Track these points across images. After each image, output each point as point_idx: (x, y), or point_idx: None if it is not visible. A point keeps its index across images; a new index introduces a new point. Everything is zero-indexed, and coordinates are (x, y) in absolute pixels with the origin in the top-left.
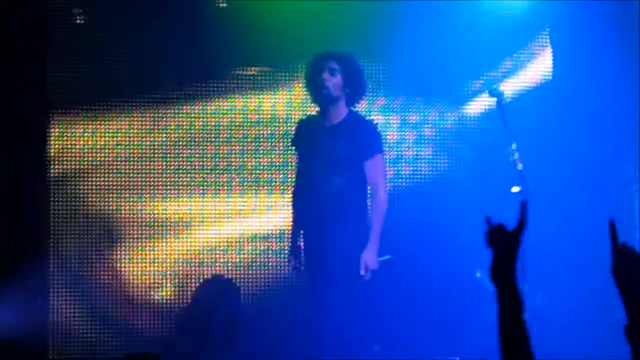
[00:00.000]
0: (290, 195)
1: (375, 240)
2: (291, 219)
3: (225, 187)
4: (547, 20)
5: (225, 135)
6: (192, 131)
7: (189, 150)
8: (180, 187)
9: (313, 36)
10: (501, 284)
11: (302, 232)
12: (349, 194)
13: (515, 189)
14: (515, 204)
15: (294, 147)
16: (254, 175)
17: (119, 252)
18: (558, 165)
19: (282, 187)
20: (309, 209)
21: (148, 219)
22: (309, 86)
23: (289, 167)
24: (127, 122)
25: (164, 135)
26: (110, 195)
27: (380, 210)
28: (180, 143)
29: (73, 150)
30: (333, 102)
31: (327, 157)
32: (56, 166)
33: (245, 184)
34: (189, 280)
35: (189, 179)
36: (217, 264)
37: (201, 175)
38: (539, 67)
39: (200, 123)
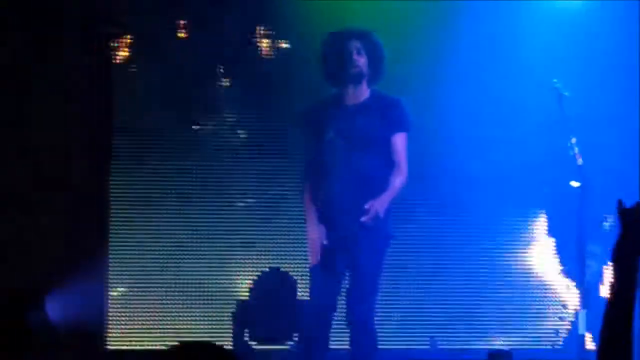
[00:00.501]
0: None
1: (389, 195)
2: (309, 200)
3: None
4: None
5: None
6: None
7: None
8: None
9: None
10: (622, 264)
11: (325, 211)
12: (379, 172)
13: (575, 184)
14: (573, 198)
15: (307, 129)
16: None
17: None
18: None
19: None
20: (338, 190)
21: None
22: (333, 66)
23: None
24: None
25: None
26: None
27: (401, 179)
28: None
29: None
30: (360, 82)
31: (355, 136)
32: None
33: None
34: (239, 272)
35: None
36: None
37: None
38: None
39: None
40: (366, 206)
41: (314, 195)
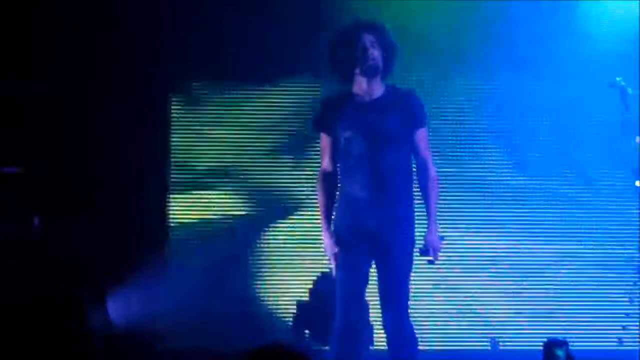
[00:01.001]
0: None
1: (435, 221)
2: (325, 199)
3: None
4: None
5: None
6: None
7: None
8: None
9: None
10: None
11: (351, 213)
12: (403, 168)
13: None
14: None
15: (320, 130)
16: None
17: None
18: None
19: None
20: (363, 188)
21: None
22: (346, 60)
23: None
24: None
25: None
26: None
27: (435, 188)
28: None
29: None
30: (375, 76)
31: (375, 133)
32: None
33: None
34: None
35: None
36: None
37: None
38: None
39: None
40: (430, 257)
41: (330, 197)
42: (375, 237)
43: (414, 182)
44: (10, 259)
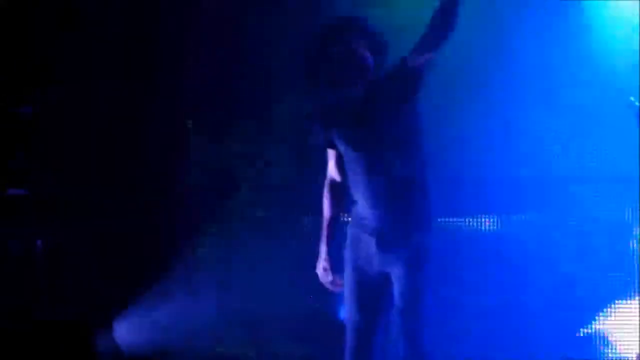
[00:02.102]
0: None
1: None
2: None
3: None
4: None
5: None
6: None
7: None
8: None
9: None
10: None
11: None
12: (410, 169)
13: None
14: None
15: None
16: None
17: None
18: None
19: None
20: (376, 195)
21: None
22: (334, 63)
23: None
24: None
25: None
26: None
27: None
28: None
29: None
30: (366, 78)
31: (376, 140)
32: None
33: None
34: None
35: None
36: None
37: None
38: None
39: None
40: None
41: (334, 208)
42: (390, 245)
43: (426, 181)
44: (16, 283)
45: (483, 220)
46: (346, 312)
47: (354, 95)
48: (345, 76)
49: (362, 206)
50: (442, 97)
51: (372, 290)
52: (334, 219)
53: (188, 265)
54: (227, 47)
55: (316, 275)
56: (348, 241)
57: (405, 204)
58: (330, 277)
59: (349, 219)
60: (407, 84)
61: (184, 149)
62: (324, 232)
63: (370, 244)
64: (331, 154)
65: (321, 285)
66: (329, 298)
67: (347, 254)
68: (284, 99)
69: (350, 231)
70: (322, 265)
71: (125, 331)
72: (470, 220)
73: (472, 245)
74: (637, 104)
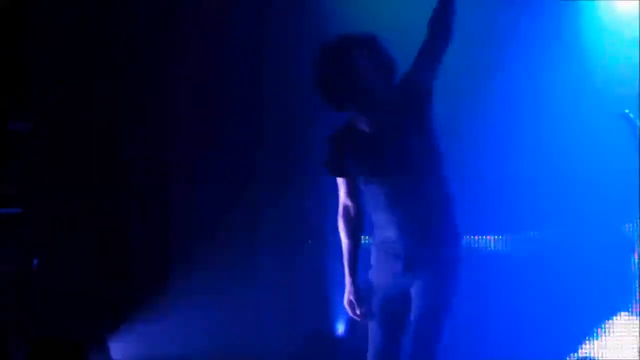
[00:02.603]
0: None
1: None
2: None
3: None
4: None
5: None
6: None
7: None
8: None
9: None
10: None
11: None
12: (432, 187)
13: None
14: None
15: (332, 175)
16: None
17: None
18: None
19: None
20: (399, 219)
21: None
22: (337, 85)
23: None
24: None
25: None
26: None
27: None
28: None
29: None
30: (372, 101)
31: (392, 166)
32: None
33: None
34: None
35: None
36: None
37: None
38: None
39: None
40: None
41: (352, 238)
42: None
43: (451, 205)
44: (10, 301)
45: (481, 237)
46: (369, 334)
47: (365, 118)
48: (349, 98)
49: (386, 229)
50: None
51: (395, 314)
52: (354, 249)
53: (183, 285)
54: (237, 69)
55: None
56: (373, 263)
57: (430, 223)
58: (358, 310)
59: (372, 241)
60: (416, 100)
61: (178, 172)
62: (347, 264)
63: (396, 266)
64: (341, 183)
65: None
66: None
67: (372, 277)
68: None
69: (374, 254)
70: (348, 297)
71: (119, 349)
72: (469, 237)
73: (471, 263)
74: (631, 115)
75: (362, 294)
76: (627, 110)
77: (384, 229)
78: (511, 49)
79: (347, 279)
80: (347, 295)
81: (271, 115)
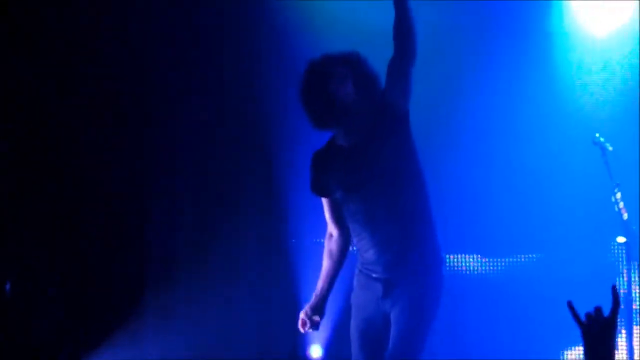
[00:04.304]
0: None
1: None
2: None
3: None
4: None
5: None
6: None
7: None
8: None
9: None
10: None
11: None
12: (412, 209)
13: (621, 239)
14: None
15: (315, 194)
16: None
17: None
18: None
19: None
20: (380, 242)
21: None
22: (316, 104)
23: None
24: None
25: None
26: None
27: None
28: None
29: None
30: (350, 117)
31: (368, 187)
32: None
33: None
34: None
35: None
36: None
37: None
38: None
39: None
40: None
41: (331, 259)
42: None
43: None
44: None
45: (470, 260)
46: (352, 355)
47: (344, 134)
48: (327, 115)
49: (366, 252)
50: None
51: (376, 334)
52: (327, 269)
53: (161, 310)
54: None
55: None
56: (355, 285)
57: (410, 245)
58: (302, 327)
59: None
60: (393, 122)
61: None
62: (319, 285)
63: (376, 289)
64: (326, 203)
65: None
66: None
67: (354, 299)
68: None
69: (356, 277)
70: (305, 309)
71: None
72: (456, 257)
73: (463, 286)
74: (602, 139)
75: (316, 314)
76: (597, 135)
77: (365, 252)
78: (485, 73)
79: (313, 294)
80: (306, 306)
81: (254, 117)
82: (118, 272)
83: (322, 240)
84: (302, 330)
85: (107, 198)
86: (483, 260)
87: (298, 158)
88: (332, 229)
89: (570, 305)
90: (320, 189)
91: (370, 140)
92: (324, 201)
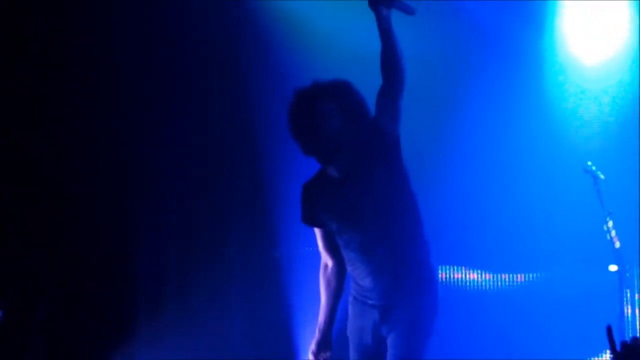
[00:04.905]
0: None
1: None
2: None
3: None
4: None
5: None
6: None
7: None
8: None
9: None
10: None
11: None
12: (405, 236)
13: (613, 268)
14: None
15: (308, 225)
16: None
17: None
18: None
19: None
20: (374, 270)
21: None
22: (303, 136)
23: None
24: None
25: None
26: None
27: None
28: None
29: None
30: (335, 152)
31: (359, 216)
32: None
33: None
34: None
35: None
36: None
37: None
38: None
39: None
40: None
41: (329, 292)
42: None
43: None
44: None
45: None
46: None
47: (334, 164)
48: (316, 144)
49: (361, 279)
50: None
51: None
52: (327, 303)
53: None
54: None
55: None
56: (350, 314)
57: (407, 271)
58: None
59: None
60: (383, 148)
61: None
62: (320, 316)
63: (373, 315)
64: (318, 233)
65: None
66: None
67: (350, 327)
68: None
69: (351, 304)
70: (312, 347)
71: None
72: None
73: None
74: (593, 168)
75: (323, 349)
76: (589, 163)
77: (360, 279)
78: (477, 102)
79: (317, 334)
80: (312, 344)
81: (242, 131)
82: (106, 292)
83: (311, 249)
84: None
85: (91, 212)
86: (473, 276)
87: (287, 168)
88: (326, 259)
89: (609, 331)
90: (312, 220)
91: (361, 170)
92: (317, 231)
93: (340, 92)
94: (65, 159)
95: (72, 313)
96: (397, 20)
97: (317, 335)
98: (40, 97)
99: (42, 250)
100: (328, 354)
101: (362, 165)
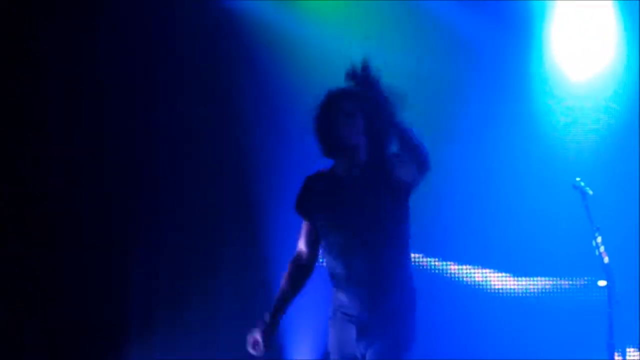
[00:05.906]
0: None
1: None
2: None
3: None
4: None
5: None
6: None
7: None
8: None
9: None
10: None
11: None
12: (390, 256)
13: (602, 283)
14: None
15: (297, 212)
16: None
17: None
18: None
19: None
20: (355, 284)
21: None
22: (323, 136)
23: None
24: None
25: None
26: None
27: None
28: None
29: None
30: (351, 151)
31: (352, 221)
32: None
33: None
34: None
35: None
36: None
37: None
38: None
39: None
40: None
41: (289, 283)
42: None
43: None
44: None
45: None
46: None
47: (343, 166)
48: (333, 150)
49: (342, 293)
50: None
51: None
52: (284, 291)
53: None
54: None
55: None
56: (330, 331)
57: (387, 292)
58: (252, 349)
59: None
60: (396, 188)
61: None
62: (273, 304)
63: (351, 330)
64: (304, 227)
65: None
66: None
67: (330, 337)
68: None
69: (331, 321)
70: (255, 335)
71: None
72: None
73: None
74: (582, 184)
75: (266, 338)
76: (578, 179)
77: (340, 293)
78: (465, 119)
79: (266, 316)
80: (256, 330)
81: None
82: (102, 293)
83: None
84: (253, 352)
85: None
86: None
87: (280, 169)
88: (301, 251)
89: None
90: (302, 209)
91: (368, 180)
92: (304, 224)
93: (360, 93)
94: (65, 159)
95: (71, 313)
96: (386, 35)
97: (260, 324)
98: (40, 97)
99: (42, 250)
100: (263, 346)
101: (371, 177)
